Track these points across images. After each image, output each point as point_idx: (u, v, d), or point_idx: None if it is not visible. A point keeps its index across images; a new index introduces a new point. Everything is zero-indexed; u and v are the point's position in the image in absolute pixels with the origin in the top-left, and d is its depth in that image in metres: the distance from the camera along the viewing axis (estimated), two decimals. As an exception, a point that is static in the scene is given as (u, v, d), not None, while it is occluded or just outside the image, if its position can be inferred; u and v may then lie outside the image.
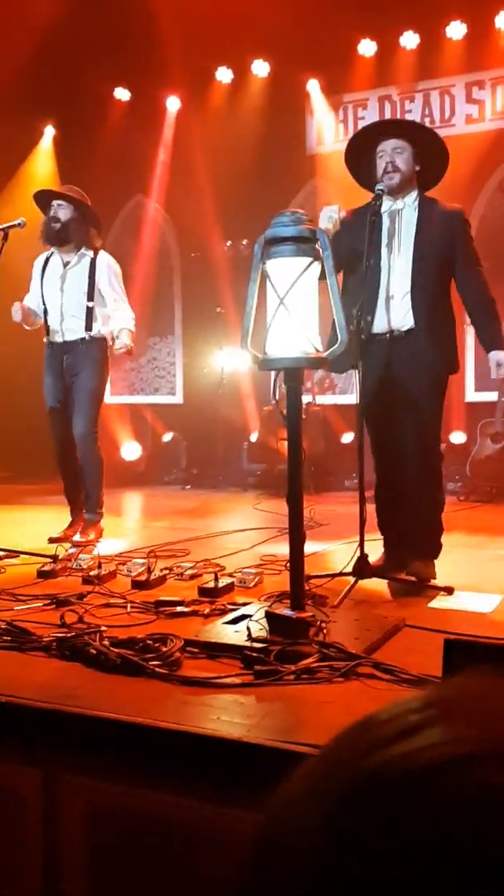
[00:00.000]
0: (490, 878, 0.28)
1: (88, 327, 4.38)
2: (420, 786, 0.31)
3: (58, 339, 4.44)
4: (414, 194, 3.31)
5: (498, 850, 0.28)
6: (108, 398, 8.09)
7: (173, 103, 8.21)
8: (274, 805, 0.36)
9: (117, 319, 4.41)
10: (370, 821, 0.31)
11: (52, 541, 4.15)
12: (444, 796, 0.30)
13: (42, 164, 8.37)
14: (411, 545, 3.35)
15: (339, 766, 0.34)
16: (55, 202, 4.42)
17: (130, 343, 4.37)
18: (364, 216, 3.17)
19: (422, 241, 3.24)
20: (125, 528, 4.94)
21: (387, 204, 3.28)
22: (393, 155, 3.24)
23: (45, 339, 4.53)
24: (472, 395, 7.06)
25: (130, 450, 7.98)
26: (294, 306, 2.35)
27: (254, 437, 7.56)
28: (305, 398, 6.73)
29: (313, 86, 7.67)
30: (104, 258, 4.46)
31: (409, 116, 7.48)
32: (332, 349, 2.40)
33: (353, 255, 3.17)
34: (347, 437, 7.07)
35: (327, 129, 7.78)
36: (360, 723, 0.36)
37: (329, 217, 3.10)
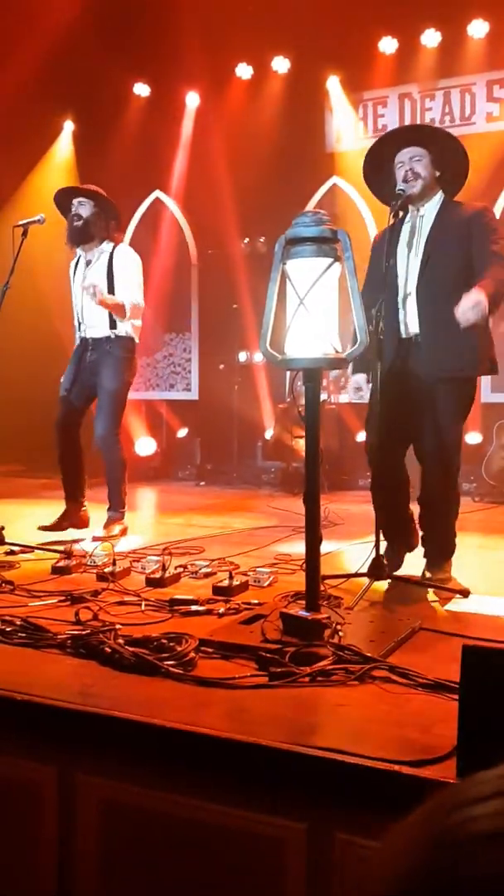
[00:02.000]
0: None
1: (112, 325, 4.38)
2: (469, 855, 0.33)
3: (84, 334, 4.47)
4: (436, 199, 3.28)
5: None
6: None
7: (193, 99, 8.20)
8: (382, 850, 0.39)
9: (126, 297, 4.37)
10: (426, 891, 0.33)
11: (42, 528, 4.17)
12: (491, 866, 0.32)
13: (61, 160, 8.39)
14: (425, 548, 3.33)
15: (430, 819, 0.37)
16: (75, 200, 4.43)
17: (109, 298, 4.23)
18: (389, 232, 3.18)
19: (433, 246, 3.21)
20: (139, 524, 4.95)
21: (410, 211, 3.25)
22: (412, 163, 3.22)
23: (76, 334, 4.57)
24: (488, 395, 7.02)
25: (145, 445, 7.99)
26: (314, 307, 2.35)
27: (268, 435, 7.56)
28: (321, 396, 6.72)
29: (333, 83, 7.64)
30: (121, 250, 4.46)
31: (428, 115, 7.45)
32: (351, 350, 2.39)
33: (378, 269, 3.17)
34: (362, 437, 7.03)
35: (347, 127, 7.75)
36: (450, 787, 0.39)
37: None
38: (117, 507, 4.44)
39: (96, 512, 4.51)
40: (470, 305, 2.91)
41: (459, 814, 0.35)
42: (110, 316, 4.37)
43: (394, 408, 3.13)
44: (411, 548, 3.44)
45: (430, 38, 7.17)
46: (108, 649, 2.21)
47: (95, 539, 4.09)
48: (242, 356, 7.65)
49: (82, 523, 4.44)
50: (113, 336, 4.39)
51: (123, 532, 4.41)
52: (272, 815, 1.67)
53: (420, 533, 3.38)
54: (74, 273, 4.58)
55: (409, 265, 3.26)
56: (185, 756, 1.78)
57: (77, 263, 4.58)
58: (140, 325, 4.48)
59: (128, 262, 4.43)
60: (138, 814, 1.79)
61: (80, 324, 4.51)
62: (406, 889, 0.33)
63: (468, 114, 7.31)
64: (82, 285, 4.35)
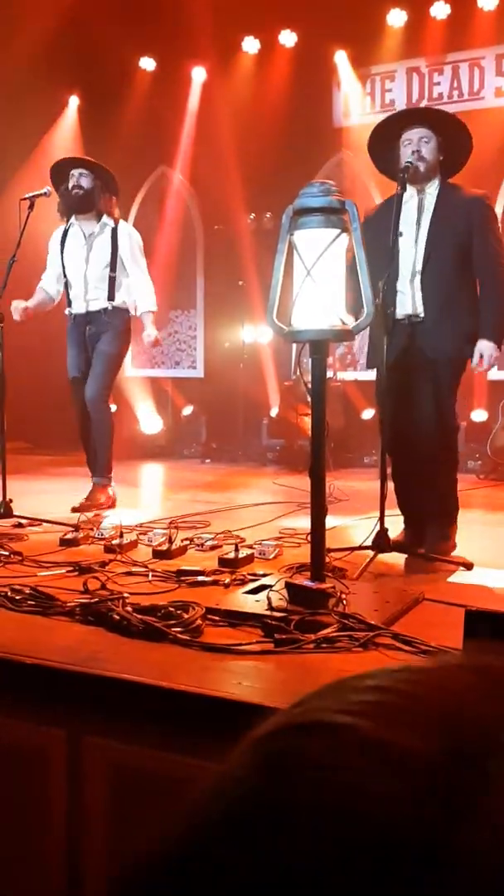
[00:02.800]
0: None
1: (111, 297, 4.40)
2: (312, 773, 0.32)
3: (81, 309, 4.46)
4: (436, 182, 3.31)
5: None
6: (130, 371, 8.14)
7: (199, 74, 8.13)
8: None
9: (139, 296, 4.41)
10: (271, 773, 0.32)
11: (74, 510, 4.19)
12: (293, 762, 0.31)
13: (66, 135, 8.35)
14: (427, 514, 3.37)
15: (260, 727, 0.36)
16: (76, 171, 4.40)
17: (156, 333, 4.42)
18: (387, 208, 3.20)
19: (436, 229, 3.24)
20: (145, 500, 4.98)
21: (410, 191, 3.26)
22: (419, 144, 3.25)
23: (66, 312, 4.55)
24: (494, 373, 7.00)
25: (151, 423, 8.01)
26: (321, 278, 2.35)
27: (274, 413, 7.56)
28: (327, 374, 6.72)
29: (341, 57, 7.57)
30: (126, 228, 4.47)
31: (437, 89, 7.38)
32: (358, 322, 2.39)
33: (377, 244, 3.17)
34: (368, 414, 7.05)
35: (354, 102, 7.69)
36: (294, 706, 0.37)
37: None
38: (103, 472, 4.45)
39: (83, 481, 4.54)
40: (485, 362, 3.19)
41: (294, 737, 0.33)
42: (110, 287, 4.39)
43: (402, 382, 3.20)
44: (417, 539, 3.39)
45: (440, 10, 7.10)
46: (116, 616, 2.24)
47: (74, 510, 4.11)
48: (248, 334, 7.64)
49: (110, 502, 4.45)
50: (111, 307, 4.40)
51: (111, 502, 4.42)
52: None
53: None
54: (63, 242, 4.53)
55: (417, 243, 3.27)
56: (193, 718, 1.81)
57: (66, 232, 4.52)
58: (156, 310, 4.53)
59: (133, 244, 4.46)
60: (146, 776, 1.83)
61: (75, 298, 4.47)
62: (236, 816, 0.31)
63: (476, 88, 7.25)
64: (144, 340, 4.45)
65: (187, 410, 8.18)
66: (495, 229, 3.31)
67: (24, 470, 6.13)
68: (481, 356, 3.21)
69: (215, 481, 6.03)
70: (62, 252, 4.52)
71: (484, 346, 3.21)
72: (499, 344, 3.22)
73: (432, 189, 3.31)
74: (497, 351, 3.22)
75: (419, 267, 3.25)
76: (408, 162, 3.17)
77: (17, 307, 4.37)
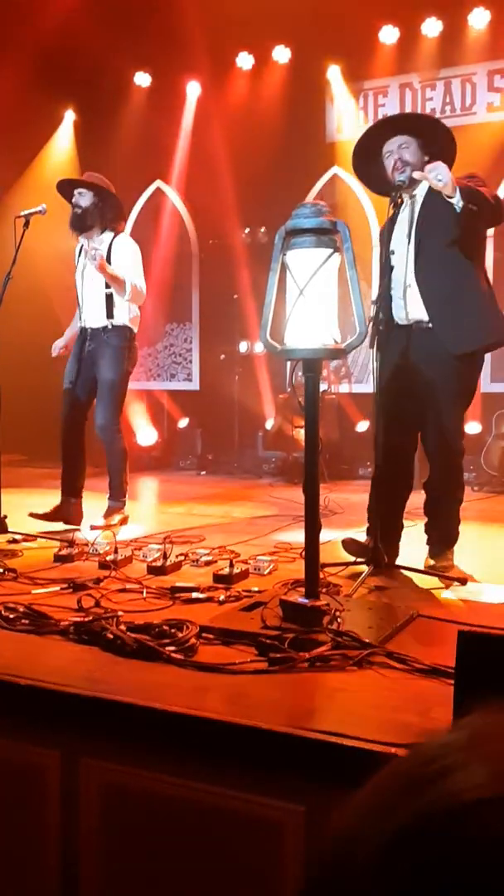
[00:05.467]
0: None
1: (109, 315, 4.41)
2: (463, 822, 0.34)
3: (84, 324, 4.51)
4: (425, 184, 3.29)
5: None
6: (125, 384, 8.14)
7: (193, 89, 8.18)
8: (335, 833, 0.38)
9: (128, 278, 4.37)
10: (418, 856, 0.34)
11: (33, 515, 4.16)
12: (485, 831, 0.33)
13: (62, 149, 8.38)
14: (428, 534, 3.37)
15: (385, 810, 0.37)
16: (76, 190, 4.45)
17: (105, 264, 4.25)
18: (389, 225, 3.21)
19: (422, 230, 3.23)
20: (141, 514, 4.98)
21: (406, 200, 3.27)
22: (400, 151, 3.24)
23: (79, 324, 4.60)
24: (487, 385, 7.03)
25: (146, 435, 8.02)
26: (313, 297, 2.37)
27: (269, 425, 7.58)
28: (321, 387, 6.74)
29: (334, 72, 7.62)
30: (120, 240, 4.47)
31: (429, 104, 7.44)
32: (350, 340, 2.41)
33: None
34: (363, 426, 7.07)
35: (347, 117, 7.74)
36: (407, 759, 0.39)
37: None
38: (118, 496, 4.46)
39: (98, 500, 4.54)
40: (433, 171, 2.93)
41: (432, 790, 0.36)
42: (107, 305, 4.39)
43: (400, 396, 3.18)
44: (391, 557, 3.32)
45: (431, 27, 7.15)
46: (110, 635, 2.24)
47: (94, 528, 4.11)
48: (243, 346, 7.67)
49: (75, 519, 4.37)
50: (110, 326, 4.41)
51: (123, 521, 4.43)
52: (271, 797, 1.70)
53: (425, 519, 3.41)
54: (78, 260, 4.61)
55: (407, 254, 3.28)
56: (186, 740, 1.81)
57: (80, 251, 4.60)
58: (138, 316, 4.50)
59: (126, 250, 4.45)
60: (140, 797, 1.83)
61: (81, 314, 4.55)
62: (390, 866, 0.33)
63: (469, 104, 7.30)
64: (87, 251, 4.39)
65: (183, 423, 8.19)
66: (480, 180, 3.17)
67: (19, 483, 6.12)
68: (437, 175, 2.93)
69: (211, 494, 6.03)
70: (76, 269, 4.58)
71: (441, 168, 2.93)
72: (466, 195, 2.93)
73: (421, 192, 3.29)
74: (447, 175, 2.92)
75: (410, 280, 3.25)
76: (399, 182, 3.18)
77: (56, 346, 4.67)
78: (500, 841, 0.32)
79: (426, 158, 3.24)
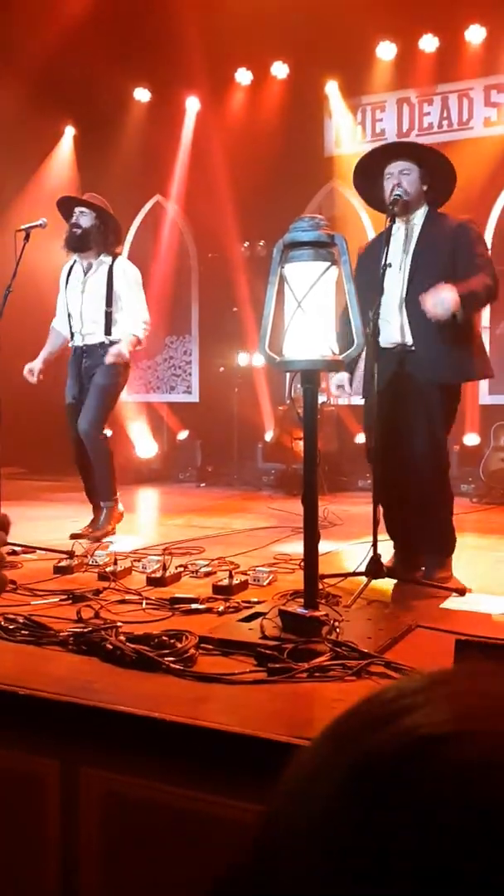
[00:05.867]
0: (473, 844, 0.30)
1: (108, 332, 4.47)
2: (424, 756, 0.34)
3: (79, 342, 4.54)
4: (421, 212, 3.34)
5: (472, 815, 0.31)
6: (125, 396, 8.16)
7: (193, 104, 8.25)
8: (281, 788, 0.38)
9: (127, 323, 4.46)
10: (376, 790, 0.33)
11: (73, 537, 4.20)
12: (445, 765, 0.33)
13: (62, 165, 8.44)
14: (424, 546, 3.39)
15: (344, 745, 0.37)
16: (77, 209, 4.49)
17: (124, 352, 4.40)
18: (378, 242, 3.23)
19: (420, 259, 3.27)
20: (140, 525, 4.99)
21: (398, 223, 3.30)
22: (400, 177, 3.28)
23: (70, 344, 4.62)
24: (485, 398, 7.07)
25: (146, 447, 8.04)
26: (311, 310, 2.39)
27: (268, 437, 7.60)
28: (320, 399, 6.77)
29: (332, 88, 7.70)
30: (121, 264, 4.53)
31: (427, 119, 7.51)
32: (348, 352, 2.43)
33: (370, 278, 3.18)
34: (361, 438, 7.08)
35: (345, 132, 7.81)
36: (364, 701, 0.39)
37: None
38: (108, 496, 4.49)
39: (78, 507, 4.56)
40: (437, 301, 3.00)
41: (384, 729, 0.35)
42: (107, 322, 4.45)
43: (392, 409, 3.21)
44: (413, 568, 3.38)
45: (428, 43, 7.24)
46: (109, 646, 2.25)
47: (87, 536, 4.17)
48: (242, 359, 7.70)
49: (119, 518, 4.52)
50: (108, 342, 4.46)
51: (119, 518, 4.49)
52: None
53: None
54: (68, 278, 4.63)
55: (402, 271, 3.31)
56: (186, 749, 1.82)
57: (72, 269, 4.62)
58: (141, 337, 4.54)
59: (129, 279, 4.51)
60: (140, 806, 1.83)
61: (74, 332, 4.57)
62: (325, 825, 0.32)
63: (466, 118, 7.37)
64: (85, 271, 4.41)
65: (182, 435, 8.21)
66: (480, 246, 3.30)
67: (19, 496, 6.14)
68: (438, 299, 2.99)
69: (210, 505, 6.04)
70: (66, 287, 4.61)
71: (445, 289, 3.00)
72: (463, 305, 3.01)
73: (418, 219, 3.34)
74: (454, 303, 2.99)
75: (405, 294, 3.28)
76: (396, 195, 3.21)
77: (33, 370, 4.59)
78: (461, 776, 0.32)
79: (424, 188, 3.31)
